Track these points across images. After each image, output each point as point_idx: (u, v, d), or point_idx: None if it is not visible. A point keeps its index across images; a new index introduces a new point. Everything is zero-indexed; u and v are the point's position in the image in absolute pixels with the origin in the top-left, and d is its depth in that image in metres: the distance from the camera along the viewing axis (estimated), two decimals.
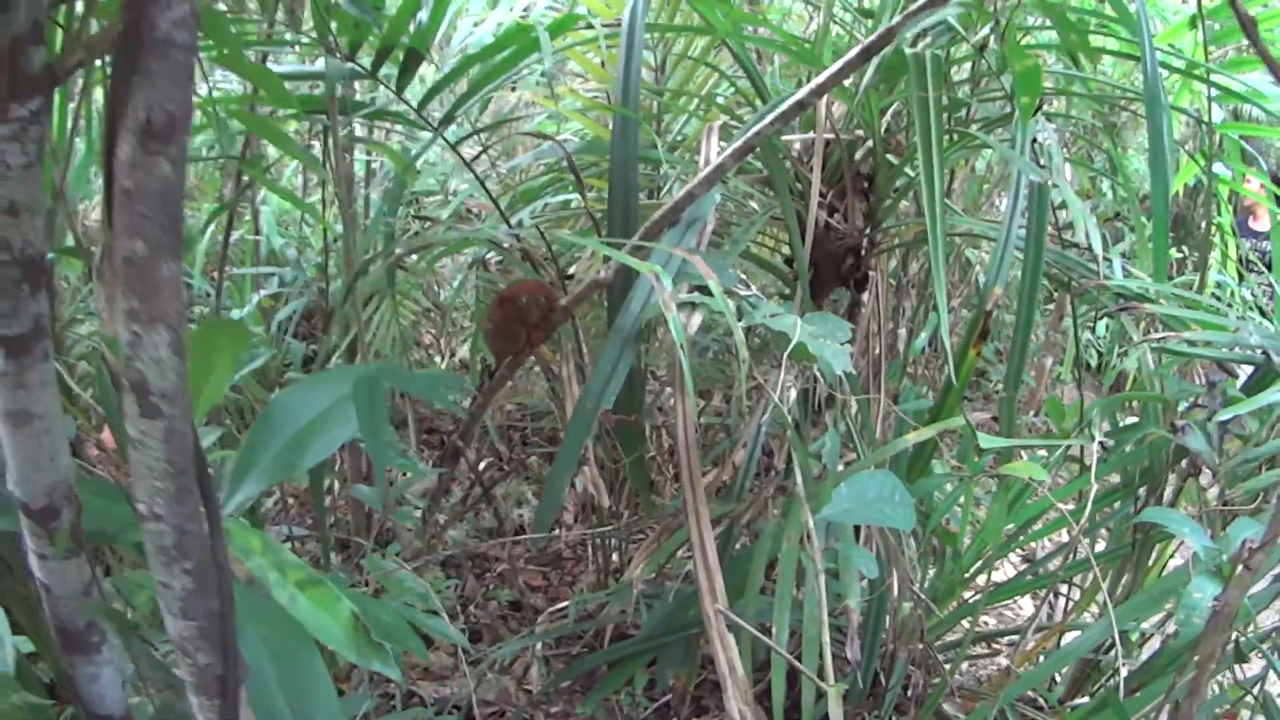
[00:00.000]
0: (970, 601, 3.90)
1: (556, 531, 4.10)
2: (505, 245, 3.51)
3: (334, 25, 3.07)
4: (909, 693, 3.34)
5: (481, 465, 4.94)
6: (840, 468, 3.18)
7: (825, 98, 3.47)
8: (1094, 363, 7.78)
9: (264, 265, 5.13)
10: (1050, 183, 3.14)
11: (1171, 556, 3.78)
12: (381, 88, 3.27)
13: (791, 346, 2.49)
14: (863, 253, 3.79)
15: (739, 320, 2.54)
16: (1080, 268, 3.54)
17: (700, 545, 2.63)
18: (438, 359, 5.50)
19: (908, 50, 2.94)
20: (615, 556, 4.19)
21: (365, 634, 1.78)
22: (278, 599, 1.71)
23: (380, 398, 1.86)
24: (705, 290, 2.61)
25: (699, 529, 2.64)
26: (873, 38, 2.72)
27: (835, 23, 4.03)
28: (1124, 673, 2.52)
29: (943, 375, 5.43)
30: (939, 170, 2.71)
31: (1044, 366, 5.99)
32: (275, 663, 1.70)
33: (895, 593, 3.21)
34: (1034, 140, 3.26)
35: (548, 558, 4.60)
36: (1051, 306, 6.06)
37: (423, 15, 3.10)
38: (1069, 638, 3.58)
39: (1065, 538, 4.32)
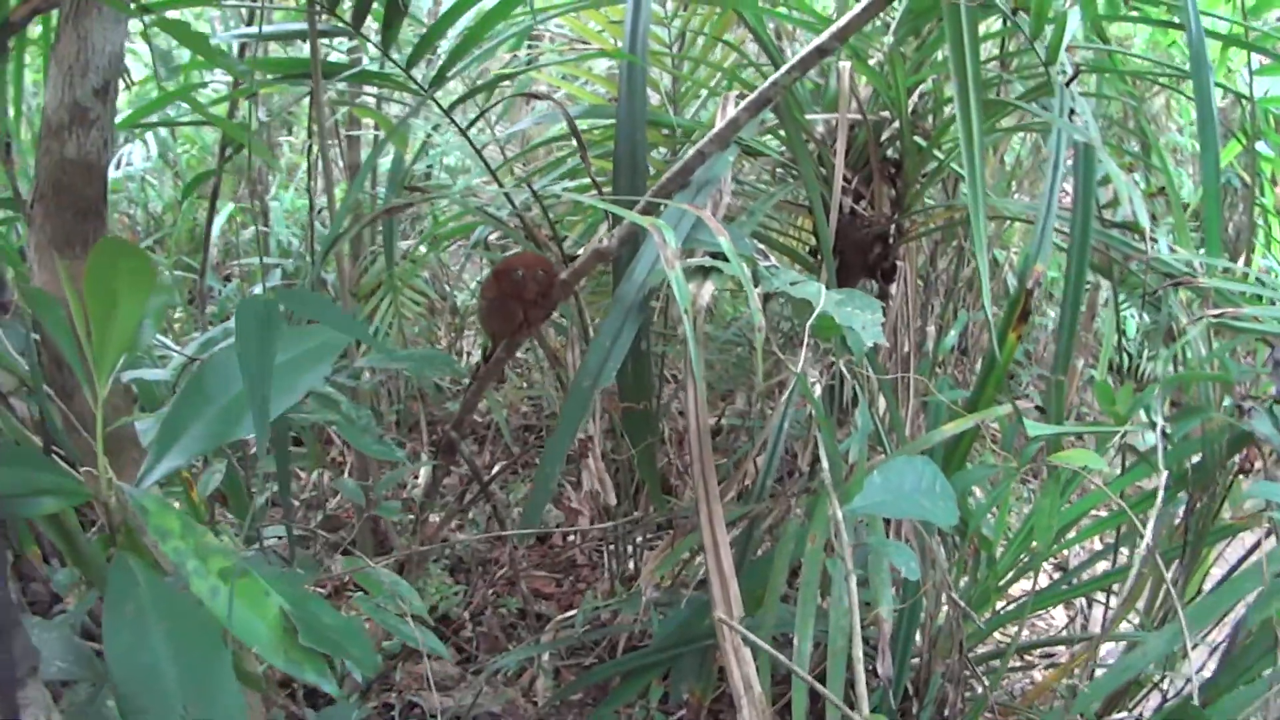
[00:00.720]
0: (1004, 611, 3.47)
1: (552, 527, 3.67)
2: (507, 221, 3.10)
3: None
4: (944, 711, 2.91)
5: (496, 468, 4.55)
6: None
7: (850, 72, 3.09)
8: (1124, 366, 7.34)
9: (273, 259, 4.79)
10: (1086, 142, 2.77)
11: (1212, 565, 3.34)
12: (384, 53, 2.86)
13: (815, 317, 2.08)
14: (890, 241, 3.42)
15: (756, 287, 2.13)
16: (1123, 248, 3.12)
17: (713, 546, 2.22)
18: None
19: None
20: (631, 563, 3.78)
21: (295, 637, 1.45)
22: (196, 590, 1.42)
23: (273, 327, 1.45)
24: (719, 260, 2.22)
25: (712, 528, 2.23)
26: None
27: None
28: (1195, 684, 2.09)
29: (974, 376, 5.06)
30: (976, 95, 2.30)
31: (1075, 368, 5.54)
32: (178, 665, 1.37)
33: (929, 601, 2.79)
34: (1071, 113, 2.88)
35: (561, 564, 4.19)
36: (1083, 309, 5.61)
37: None
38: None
39: (1100, 545, 3.92)
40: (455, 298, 4.94)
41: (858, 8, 2.35)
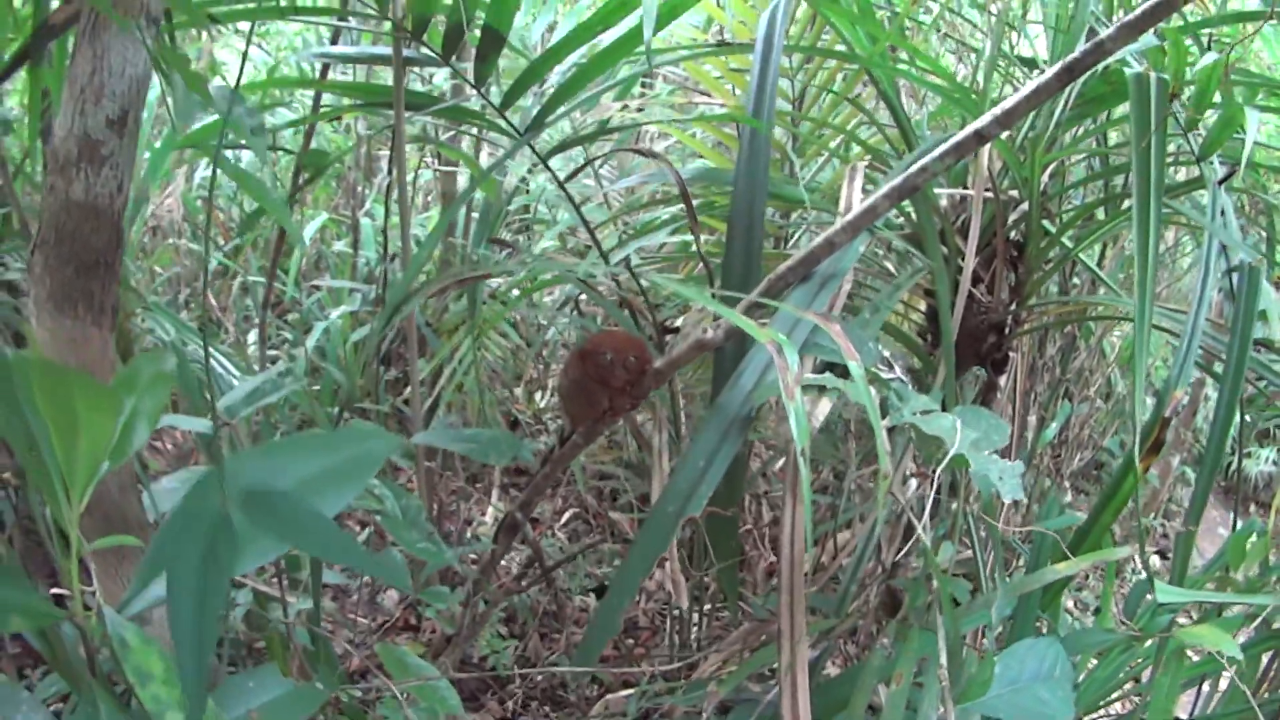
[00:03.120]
0: None
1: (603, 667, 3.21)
2: (598, 287, 2.67)
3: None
4: None
5: (565, 516, 4.11)
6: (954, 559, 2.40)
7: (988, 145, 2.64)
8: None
9: (361, 281, 4.39)
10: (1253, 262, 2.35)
11: None
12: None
13: (949, 459, 1.63)
14: (1006, 331, 2.94)
15: (883, 417, 1.68)
16: (1256, 366, 2.65)
17: (791, 693, 1.78)
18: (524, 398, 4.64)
19: (1128, 70, 2.11)
20: (694, 633, 3.32)
21: None
22: None
23: (222, 557, 1.04)
24: (835, 367, 1.78)
25: (794, 675, 1.80)
26: (1077, 53, 1.86)
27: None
28: None
29: (1069, 469, 4.58)
30: (1155, 233, 1.88)
31: (1169, 465, 5.04)
32: None
33: None
34: (1221, 213, 2.45)
35: (623, 624, 3.74)
36: (1186, 400, 5.12)
37: None
38: None
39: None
40: (542, 346, 4.49)
41: (1024, 92, 1.91)
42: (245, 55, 1.26)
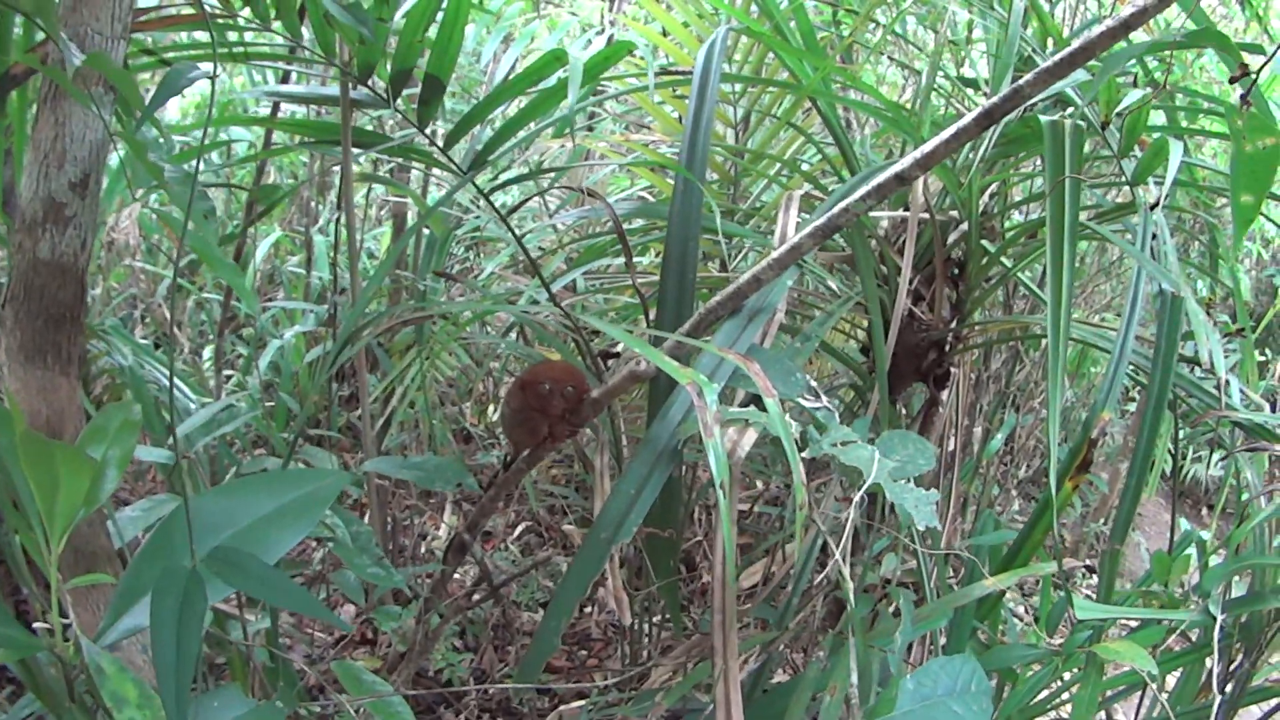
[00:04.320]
0: None
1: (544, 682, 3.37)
2: (537, 316, 2.83)
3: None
4: None
5: (518, 530, 4.28)
6: (898, 570, 2.56)
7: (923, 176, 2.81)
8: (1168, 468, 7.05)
9: (314, 299, 4.54)
10: (1174, 292, 2.46)
11: None
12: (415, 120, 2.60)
13: (866, 487, 1.81)
14: (947, 348, 3.10)
15: (801, 451, 1.85)
16: (1189, 387, 2.81)
17: (725, 704, 1.95)
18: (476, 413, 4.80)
19: (1043, 118, 2.28)
20: (645, 640, 3.50)
21: None
22: None
23: (195, 609, 1.20)
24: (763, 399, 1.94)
25: (726, 684, 1.96)
26: (995, 99, 2.03)
27: (936, 91, 3.32)
28: None
29: (1016, 477, 4.77)
30: (1069, 270, 2.07)
31: (1118, 472, 5.21)
32: None
33: None
34: (1153, 236, 2.60)
35: (575, 636, 3.92)
36: (1132, 407, 5.29)
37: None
38: None
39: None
40: (494, 360, 4.64)
41: (944, 135, 2.07)
42: (199, 159, 1.40)
